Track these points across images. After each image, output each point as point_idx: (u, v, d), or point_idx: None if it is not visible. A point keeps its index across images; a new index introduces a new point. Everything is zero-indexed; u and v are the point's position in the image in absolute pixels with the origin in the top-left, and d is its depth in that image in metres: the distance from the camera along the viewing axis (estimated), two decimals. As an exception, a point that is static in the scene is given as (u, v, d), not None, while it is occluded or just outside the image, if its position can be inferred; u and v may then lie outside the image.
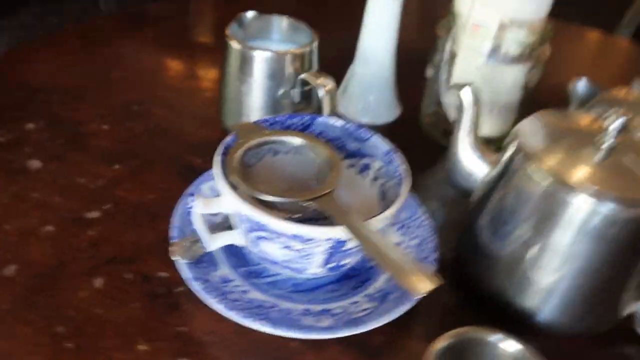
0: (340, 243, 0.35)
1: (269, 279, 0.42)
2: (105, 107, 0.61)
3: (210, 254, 0.41)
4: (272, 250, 0.37)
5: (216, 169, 0.37)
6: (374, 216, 0.36)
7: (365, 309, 0.39)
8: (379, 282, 0.42)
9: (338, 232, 0.34)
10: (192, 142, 0.58)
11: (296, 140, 0.41)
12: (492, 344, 0.36)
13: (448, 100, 0.59)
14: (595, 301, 0.39)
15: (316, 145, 0.40)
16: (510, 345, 0.35)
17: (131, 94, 0.64)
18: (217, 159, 0.38)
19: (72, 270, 0.42)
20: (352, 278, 0.43)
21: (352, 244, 0.36)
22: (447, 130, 0.63)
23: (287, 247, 0.36)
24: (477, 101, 0.42)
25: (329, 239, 0.35)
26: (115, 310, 0.40)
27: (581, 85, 0.55)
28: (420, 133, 0.65)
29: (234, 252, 0.43)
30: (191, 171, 0.53)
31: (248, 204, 0.35)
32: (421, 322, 0.42)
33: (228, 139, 0.40)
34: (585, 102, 0.55)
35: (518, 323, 0.42)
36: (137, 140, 0.57)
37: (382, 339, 0.40)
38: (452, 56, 0.56)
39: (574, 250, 0.37)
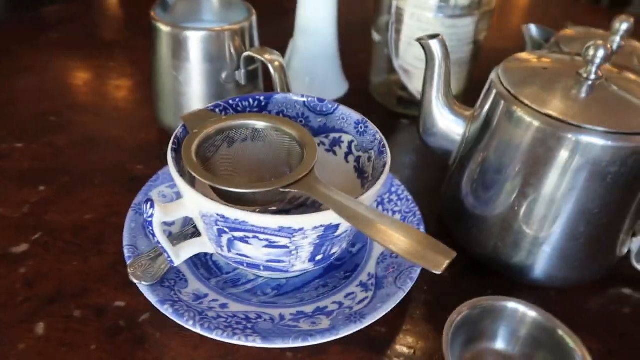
0: (332, 229, 0.30)
1: (248, 286, 0.36)
2: (15, 123, 0.53)
3: (174, 269, 0.35)
4: (252, 251, 0.31)
5: (172, 167, 0.31)
6: (363, 193, 0.31)
7: (363, 300, 0.34)
8: (369, 267, 0.37)
9: (331, 217, 0.29)
10: (127, 148, 0.50)
11: (259, 123, 0.35)
12: (509, 311, 0.33)
13: (399, 63, 0.55)
14: (593, 247, 0.37)
15: (283, 125, 0.35)
16: (527, 311, 0.33)
17: (44, 104, 0.56)
18: (170, 156, 0.32)
19: (5, 320, 0.34)
20: (338, 268, 0.38)
21: (343, 228, 0.31)
22: (401, 97, 0.59)
23: (270, 244, 0.30)
24: (447, 54, 0.38)
25: (320, 226, 0.29)
26: (68, 358, 0.32)
27: (533, 30, 0.53)
28: (372, 104, 0.61)
29: (201, 263, 0.37)
30: (133, 180, 0.46)
31: (217, 201, 0.29)
32: (420, 302, 0.38)
33: (178, 131, 0.34)
34: (540, 46, 0.54)
35: (516, 282, 0.39)
36: (61, 155, 0.49)
37: (383, 329, 0.36)
38: (399, 14, 0.52)
39: (569, 194, 0.34)
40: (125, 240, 0.35)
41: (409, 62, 0.55)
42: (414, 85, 0.57)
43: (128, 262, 0.34)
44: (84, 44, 0.70)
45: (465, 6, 0.51)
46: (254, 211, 0.30)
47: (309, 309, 0.34)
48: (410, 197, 0.41)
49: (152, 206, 0.29)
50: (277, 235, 0.30)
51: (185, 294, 0.34)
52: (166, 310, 0.31)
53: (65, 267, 0.38)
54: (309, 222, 0.29)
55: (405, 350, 0.34)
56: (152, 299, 0.32)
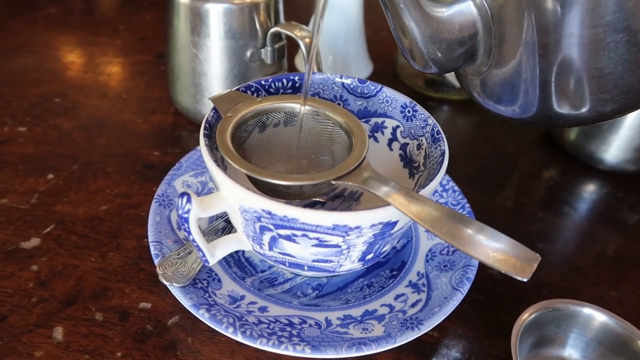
0: (389, 226, 0.27)
1: (286, 286, 0.33)
2: (16, 105, 0.48)
3: (205, 268, 0.32)
4: (298, 250, 0.28)
5: (207, 156, 0.28)
6: (422, 185, 0.28)
7: (416, 302, 0.31)
8: (418, 265, 0.34)
9: (391, 213, 0.26)
10: (140, 132, 0.47)
11: (301, 107, 0.31)
12: (583, 317, 0.30)
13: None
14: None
15: (326, 109, 0.31)
16: (601, 317, 0.30)
17: (47, 85, 0.52)
18: (203, 142, 0.29)
19: (19, 324, 0.31)
20: (382, 266, 0.35)
21: (401, 224, 0.28)
22: (430, 78, 0.56)
23: (320, 243, 0.27)
24: None
25: (378, 224, 0.26)
26: (93, 367, 0.29)
27: None
28: (398, 86, 0.57)
29: (233, 261, 0.34)
30: (149, 168, 0.42)
31: (259, 194, 0.26)
32: (471, 302, 0.35)
33: (209, 114, 0.31)
34: None
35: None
36: (68, 140, 0.45)
37: (435, 333, 0.33)
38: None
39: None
40: (151, 237, 0.32)
41: (441, 40, 0.51)
42: (446, 66, 0.53)
43: (156, 261, 0.30)
44: (84, 19, 0.65)
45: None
46: (297, 205, 0.27)
47: (356, 312, 0.31)
48: (457, 188, 0.38)
49: (189, 200, 0.26)
50: (329, 234, 0.26)
51: (220, 296, 0.30)
52: (202, 316, 0.28)
53: (81, 264, 0.35)
54: (367, 220, 0.26)
55: (460, 356, 0.32)
56: (185, 302, 0.29)
